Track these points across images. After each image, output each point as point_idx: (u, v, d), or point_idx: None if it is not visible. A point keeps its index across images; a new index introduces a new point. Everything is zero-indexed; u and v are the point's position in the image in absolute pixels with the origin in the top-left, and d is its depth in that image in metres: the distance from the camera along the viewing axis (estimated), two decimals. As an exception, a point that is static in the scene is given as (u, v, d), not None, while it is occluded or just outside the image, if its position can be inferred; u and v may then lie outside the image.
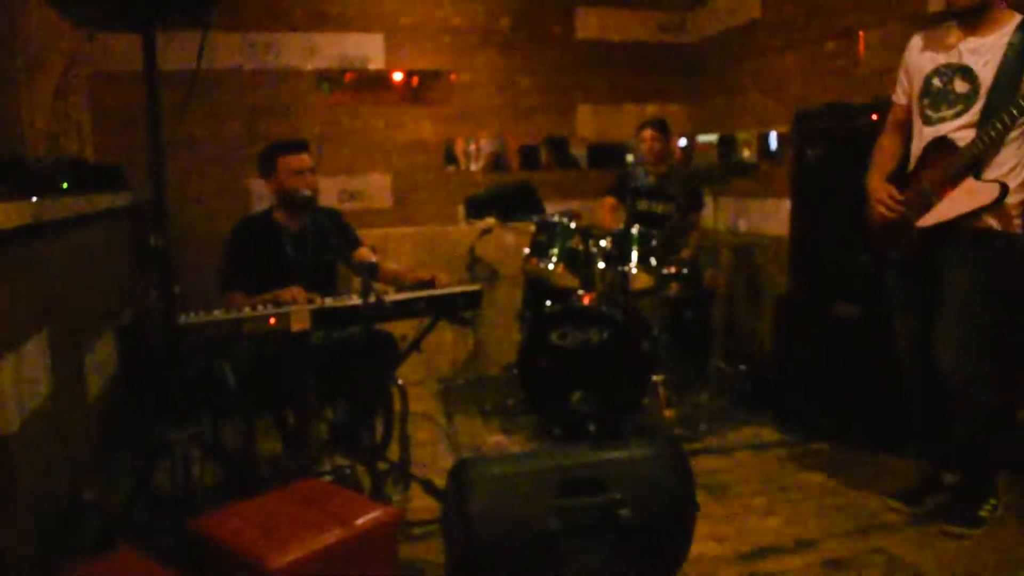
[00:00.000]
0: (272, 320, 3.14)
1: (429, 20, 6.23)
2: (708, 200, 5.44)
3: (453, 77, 6.33)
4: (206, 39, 2.74)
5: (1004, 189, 3.10)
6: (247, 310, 3.21)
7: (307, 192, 3.76)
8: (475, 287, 3.67)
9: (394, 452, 3.80)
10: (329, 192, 5.94)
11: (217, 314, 3.15)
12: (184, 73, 2.83)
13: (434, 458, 4.30)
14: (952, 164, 3.20)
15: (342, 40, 6.02)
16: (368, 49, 6.09)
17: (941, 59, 3.32)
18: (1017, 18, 3.15)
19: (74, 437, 3.28)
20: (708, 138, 6.61)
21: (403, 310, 3.42)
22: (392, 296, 3.40)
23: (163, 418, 2.81)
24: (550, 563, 2.75)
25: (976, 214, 3.17)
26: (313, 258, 3.88)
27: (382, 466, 3.59)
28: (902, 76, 3.53)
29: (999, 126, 3.05)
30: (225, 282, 3.76)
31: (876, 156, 3.62)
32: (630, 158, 6.63)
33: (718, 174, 4.89)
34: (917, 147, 3.41)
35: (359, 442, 3.65)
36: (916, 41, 3.47)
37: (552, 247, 4.75)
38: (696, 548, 3.01)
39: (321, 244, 3.86)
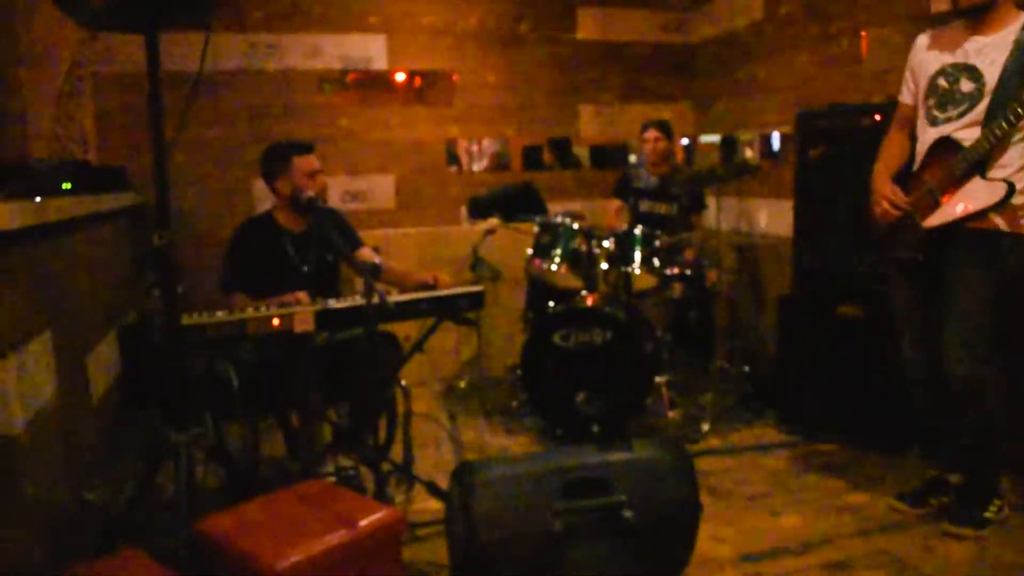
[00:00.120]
0: (275, 321, 3.14)
1: (431, 21, 6.22)
2: (711, 201, 5.43)
3: (455, 78, 6.32)
4: (209, 40, 2.74)
5: (1011, 188, 3.10)
6: (250, 311, 3.21)
7: (312, 194, 3.76)
8: (478, 288, 3.67)
9: (397, 453, 3.79)
10: (332, 193, 5.93)
11: (220, 315, 3.15)
12: (187, 74, 2.84)
13: (437, 459, 4.30)
14: (957, 164, 3.19)
15: (344, 41, 6.02)
16: (370, 50, 6.09)
17: (947, 59, 3.31)
18: (1023, 16, 3.14)
19: (77, 438, 3.27)
20: (710, 139, 6.60)
21: (406, 311, 3.42)
22: (395, 297, 3.40)
23: (166, 419, 2.81)
24: (554, 565, 2.75)
25: (982, 214, 3.16)
26: (315, 259, 3.88)
27: (385, 467, 3.57)
28: (908, 76, 3.53)
29: (1004, 125, 3.04)
30: (227, 284, 3.76)
31: (882, 154, 3.61)
32: (633, 158, 6.63)
33: (720, 175, 4.88)
34: (922, 147, 3.40)
35: (362, 443, 3.64)
36: (922, 40, 3.47)
37: (555, 248, 4.74)
38: (700, 549, 3.01)
39: (323, 245, 3.86)
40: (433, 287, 3.62)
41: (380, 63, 6.12)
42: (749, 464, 4.22)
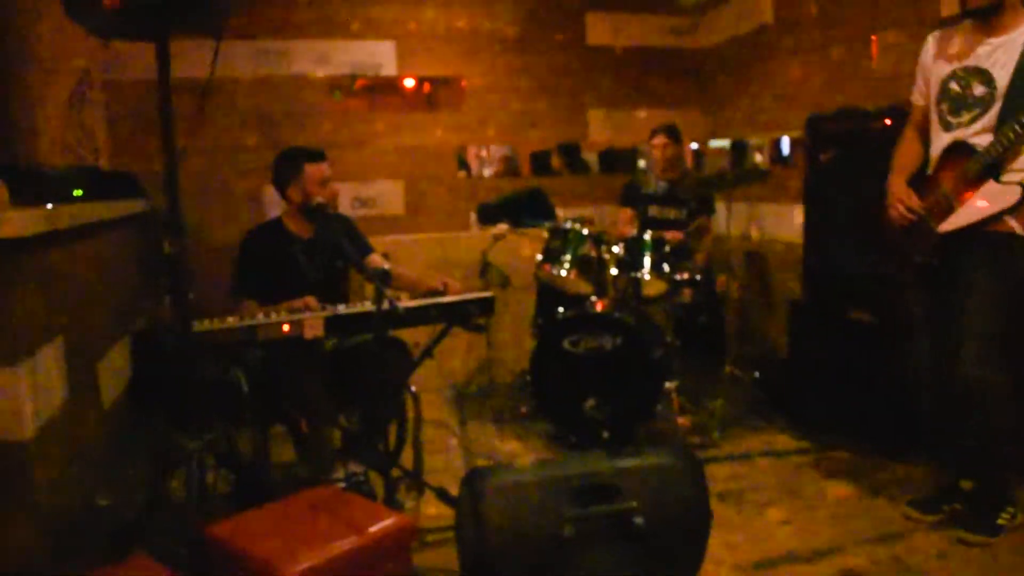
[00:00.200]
0: (286, 327, 3.15)
1: (440, 27, 6.24)
2: (720, 206, 5.42)
3: (464, 83, 6.33)
4: (219, 47, 2.75)
5: None
6: (260, 317, 3.22)
7: (322, 200, 3.77)
8: (488, 294, 3.67)
9: (408, 459, 3.79)
10: (341, 199, 5.95)
11: (231, 321, 3.16)
12: (197, 81, 2.84)
13: (447, 465, 4.30)
14: (971, 168, 3.18)
15: (354, 47, 6.04)
16: (380, 56, 6.11)
17: (958, 62, 3.29)
18: None
19: (88, 444, 3.28)
20: (720, 143, 6.60)
21: (416, 317, 3.43)
22: (405, 303, 3.40)
23: (177, 425, 2.82)
24: (563, 571, 2.74)
25: (997, 217, 3.15)
26: (324, 266, 3.89)
27: (395, 473, 3.58)
28: (919, 77, 3.52)
29: (1018, 128, 3.03)
30: (237, 290, 3.76)
31: (896, 158, 3.60)
32: (642, 163, 6.62)
33: (730, 179, 4.88)
34: (936, 151, 3.39)
35: (372, 449, 3.65)
36: (932, 41, 3.46)
37: (565, 253, 4.74)
38: (710, 556, 3.00)
39: (333, 252, 3.86)
40: (443, 293, 3.62)
41: (390, 69, 6.14)
42: (759, 470, 4.21)
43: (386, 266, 3.71)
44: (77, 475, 3.05)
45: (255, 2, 5.74)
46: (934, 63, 3.42)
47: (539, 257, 4.86)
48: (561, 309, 4.81)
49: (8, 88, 3.93)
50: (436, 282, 3.69)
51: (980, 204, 3.18)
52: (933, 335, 3.49)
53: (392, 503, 3.36)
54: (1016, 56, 3.10)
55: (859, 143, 4.39)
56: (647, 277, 4.63)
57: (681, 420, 4.72)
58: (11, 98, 3.93)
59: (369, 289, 3.35)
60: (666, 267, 4.64)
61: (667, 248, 4.68)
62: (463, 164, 6.42)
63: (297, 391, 3.55)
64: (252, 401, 3.44)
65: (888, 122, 4.20)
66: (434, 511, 3.60)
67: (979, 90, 3.21)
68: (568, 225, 4.85)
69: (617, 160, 6.76)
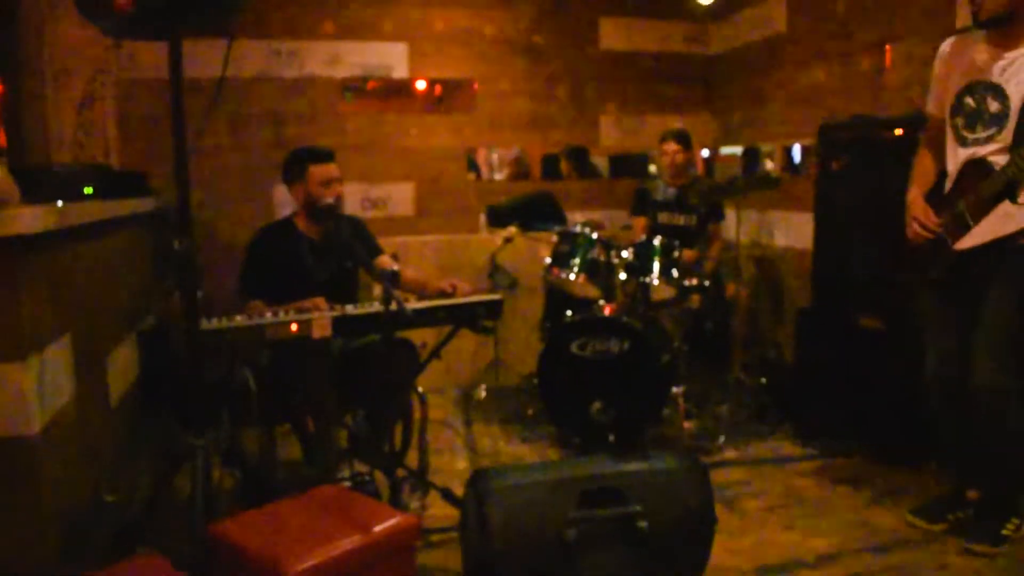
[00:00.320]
0: (294, 326, 3.15)
1: (453, 29, 6.25)
2: (730, 212, 5.41)
3: (476, 86, 6.34)
4: (231, 47, 2.76)
5: None
6: (269, 316, 3.23)
7: (331, 202, 3.78)
8: (496, 296, 3.68)
9: (413, 459, 3.80)
10: (352, 200, 5.96)
11: (239, 320, 3.17)
12: (209, 80, 2.86)
13: (453, 466, 4.31)
14: (986, 188, 3.14)
15: (366, 49, 6.05)
16: (392, 58, 6.12)
17: (972, 76, 3.25)
18: None
19: (95, 441, 3.30)
20: (731, 150, 6.59)
21: (424, 318, 3.43)
22: (413, 304, 3.41)
23: (184, 423, 2.83)
24: (567, 574, 2.74)
25: (1013, 236, 3.12)
26: (334, 266, 3.89)
27: (401, 473, 3.59)
28: (934, 88, 3.49)
29: None
30: (245, 289, 3.78)
31: (914, 174, 3.57)
32: (653, 168, 6.62)
33: (740, 186, 4.87)
34: (953, 167, 3.35)
35: (378, 449, 3.65)
36: (946, 51, 3.42)
37: (574, 257, 4.75)
38: (714, 561, 2.99)
39: (342, 252, 3.87)
40: (451, 295, 3.62)
41: (401, 71, 6.15)
42: (765, 476, 4.20)
43: (395, 267, 3.72)
44: (84, 471, 3.06)
45: (267, 2, 5.76)
46: (949, 74, 3.38)
47: (548, 260, 4.87)
48: (569, 313, 4.81)
49: (21, 87, 3.95)
50: (444, 284, 3.70)
51: (996, 224, 3.15)
52: (943, 344, 3.48)
53: (397, 503, 3.37)
54: None
55: (871, 152, 4.38)
56: (656, 282, 4.62)
57: (687, 425, 4.72)
58: (24, 96, 3.96)
59: (377, 290, 3.35)
60: (675, 272, 4.64)
61: (676, 254, 4.67)
62: (473, 166, 6.42)
63: (304, 390, 3.56)
64: (259, 400, 3.44)
65: (900, 132, 4.19)
66: (439, 512, 3.61)
67: (993, 106, 3.17)
68: (577, 229, 4.85)
69: (628, 165, 6.76)
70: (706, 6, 6.48)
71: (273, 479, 3.76)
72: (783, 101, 5.91)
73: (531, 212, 5.63)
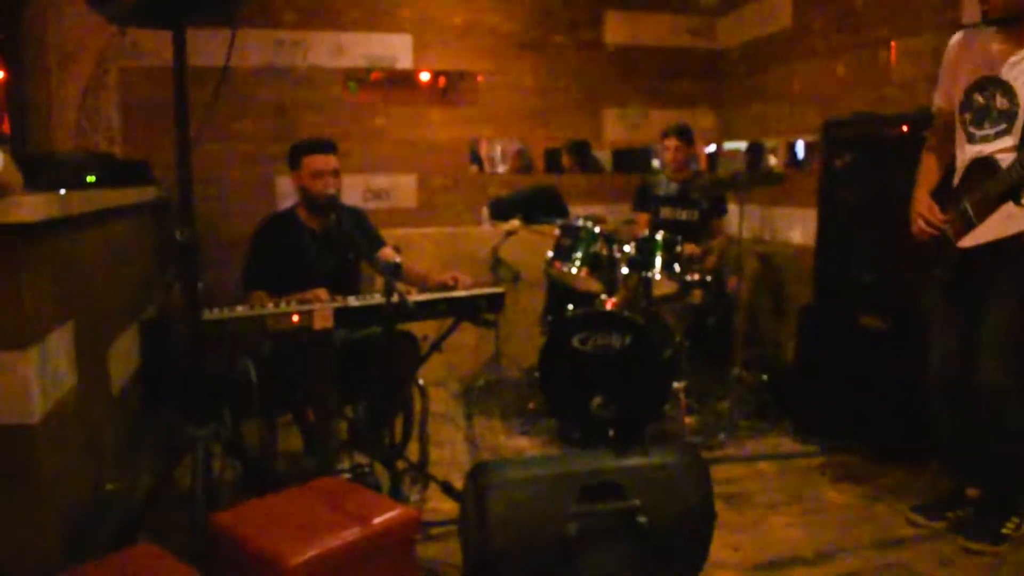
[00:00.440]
0: (295, 318, 3.15)
1: (457, 21, 6.24)
2: (733, 208, 5.40)
3: (480, 78, 6.33)
4: (235, 36, 2.75)
5: None
6: (270, 307, 3.23)
7: (324, 194, 3.76)
8: (498, 290, 3.67)
9: (413, 452, 3.80)
10: (354, 191, 5.96)
11: (240, 310, 3.17)
12: (213, 69, 2.84)
13: (453, 459, 4.31)
14: (991, 187, 3.13)
15: (370, 40, 6.04)
16: (396, 49, 6.11)
17: (982, 72, 3.23)
18: None
19: (97, 430, 3.29)
20: (735, 145, 6.58)
21: (426, 311, 3.43)
22: (415, 297, 3.41)
23: (185, 414, 2.82)
24: (567, 568, 2.74)
25: (1017, 236, 3.11)
26: (335, 258, 3.89)
27: (401, 466, 3.59)
28: (943, 80, 3.46)
29: None
30: (248, 280, 3.77)
31: (920, 170, 3.55)
32: (656, 163, 6.61)
33: (743, 181, 4.86)
34: (961, 163, 3.33)
35: (379, 441, 3.65)
36: (957, 43, 3.39)
37: (576, 251, 4.74)
38: (714, 557, 3.00)
39: (344, 244, 3.87)
40: (453, 288, 3.62)
41: (405, 62, 6.14)
42: (765, 473, 4.20)
43: (397, 259, 3.71)
44: (84, 461, 3.06)
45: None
46: (958, 67, 3.35)
47: (550, 254, 4.86)
48: (571, 307, 4.81)
49: (25, 74, 3.95)
50: (446, 276, 3.70)
51: (1000, 225, 3.14)
52: (947, 341, 3.47)
53: (397, 495, 3.37)
54: None
55: (875, 149, 4.36)
56: (658, 277, 4.62)
57: (688, 420, 4.72)
58: (28, 84, 3.96)
59: (379, 282, 3.35)
60: (677, 267, 4.64)
61: (678, 249, 4.67)
62: (476, 159, 6.42)
63: (305, 382, 3.56)
64: (260, 391, 3.44)
65: (905, 129, 4.17)
66: (438, 504, 3.62)
67: (1002, 103, 3.15)
68: (580, 223, 4.85)
69: (631, 159, 6.75)
70: (712, 0, 6.46)
71: (274, 470, 3.77)
72: (787, 97, 5.90)
73: (534, 205, 5.62)
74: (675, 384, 4.65)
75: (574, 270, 4.72)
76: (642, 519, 2.78)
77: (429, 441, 3.86)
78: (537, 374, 4.67)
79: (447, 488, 3.55)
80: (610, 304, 4.66)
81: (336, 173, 3.86)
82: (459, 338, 3.92)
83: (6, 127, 3.69)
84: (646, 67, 6.73)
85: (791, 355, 5.25)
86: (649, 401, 4.51)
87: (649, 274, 4.63)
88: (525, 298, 5.57)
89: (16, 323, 2.45)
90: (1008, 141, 3.12)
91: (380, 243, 4.06)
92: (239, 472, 3.46)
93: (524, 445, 4.60)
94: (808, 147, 5.63)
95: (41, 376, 2.53)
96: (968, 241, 3.25)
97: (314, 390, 3.58)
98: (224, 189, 5.64)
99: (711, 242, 5.39)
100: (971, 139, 3.28)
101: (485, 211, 6.24)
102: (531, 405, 5.06)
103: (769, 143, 6.10)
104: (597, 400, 4.37)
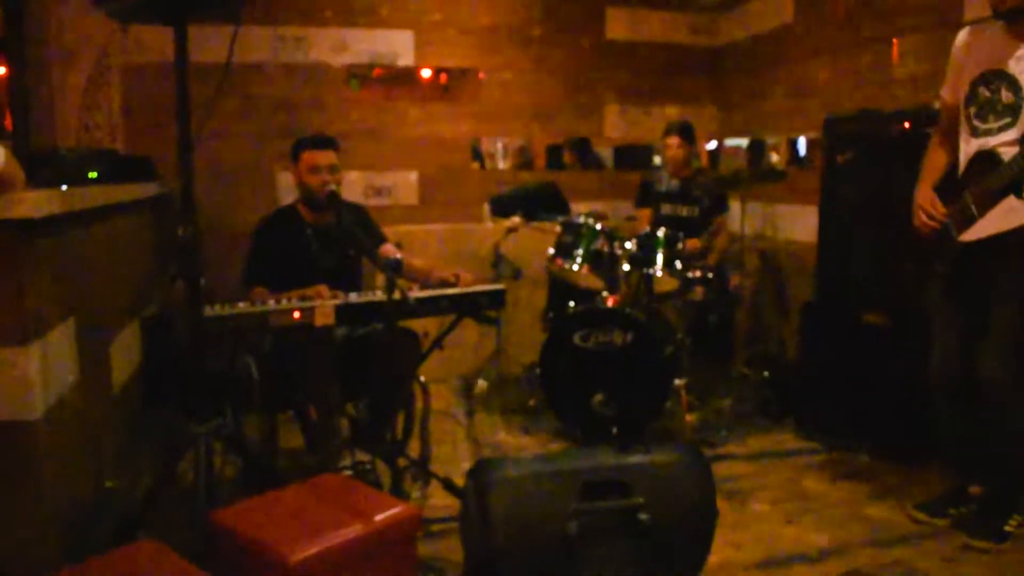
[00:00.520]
0: (296, 314, 3.15)
1: (459, 18, 6.23)
2: (735, 205, 5.40)
3: (481, 75, 6.33)
4: (237, 32, 2.75)
5: None
6: (272, 304, 3.22)
7: (321, 190, 3.74)
8: (499, 286, 3.67)
9: (415, 449, 3.80)
10: (355, 187, 5.96)
11: (242, 307, 3.16)
12: (215, 66, 2.84)
13: (454, 456, 4.31)
14: (993, 181, 3.12)
15: (372, 36, 6.03)
16: (398, 46, 6.11)
17: (988, 66, 3.22)
18: None
19: (98, 426, 3.29)
20: (737, 142, 6.57)
21: (427, 308, 3.43)
22: (416, 293, 3.40)
23: (186, 411, 2.82)
24: (568, 565, 2.74)
25: (1019, 230, 3.10)
26: (337, 254, 3.88)
27: (402, 463, 3.59)
28: (950, 74, 3.44)
29: None
30: (249, 276, 3.77)
31: (925, 164, 3.55)
32: (657, 160, 6.60)
33: (745, 178, 4.86)
34: (964, 156, 3.33)
35: (380, 438, 3.65)
36: (964, 38, 3.38)
37: (577, 248, 4.74)
38: (715, 555, 2.99)
39: (345, 240, 3.86)
40: (454, 284, 3.61)
41: (407, 59, 6.13)
42: (767, 470, 4.20)
43: (399, 256, 3.71)
44: (85, 457, 3.06)
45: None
46: (965, 61, 3.34)
47: (551, 251, 4.86)
48: (572, 303, 4.80)
49: (27, 70, 3.95)
50: (448, 273, 3.69)
51: (1001, 219, 3.12)
52: (950, 337, 3.47)
53: (398, 492, 3.37)
54: None
55: (877, 146, 4.35)
56: (659, 274, 4.62)
57: (689, 418, 4.71)
58: (30, 80, 3.95)
59: (381, 278, 3.35)
60: (678, 264, 4.63)
61: (680, 245, 4.66)
62: (477, 156, 6.41)
63: (306, 378, 3.56)
64: (261, 387, 3.44)
65: (907, 125, 4.16)
66: (440, 501, 3.62)
67: (1007, 97, 3.14)
68: (581, 220, 4.84)
69: (632, 156, 6.74)
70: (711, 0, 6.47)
71: (275, 467, 3.76)
72: (789, 94, 5.89)
73: (535, 202, 5.62)
74: (676, 381, 4.64)
75: (575, 267, 4.71)
76: (644, 517, 2.77)
77: (430, 438, 3.85)
78: (538, 371, 4.67)
79: (448, 485, 3.55)
80: (611, 301, 4.66)
81: (335, 169, 3.84)
82: (460, 335, 3.92)
83: (8, 123, 3.68)
84: (648, 64, 6.73)
85: (793, 352, 5.25)
86: (650, 398, 4.50)
87: (650, 271, 4.63)
88: (526, 295, 5.57)
89: (17, 319, 2.45)
90: (1012, 135, 3.11)
91: (381, 239, 4.05)
92: (240, 469, 3.45)
93: (525, 442, 4.59)
94: (810, 144, 5.62)
95: (42, 372, 2.53)
96: (969, 235, 3.24)
97: (315, 387, 3.58)
98: (226, 185, 5.63)
99: (713, 242, 5.38)
100: (975, 132, 3.27)
101: (486, 208, 6.23)
102: (532, 402, 5.05)
103: (771, 140, 6.09)
104: (598, 397, 4.39)
